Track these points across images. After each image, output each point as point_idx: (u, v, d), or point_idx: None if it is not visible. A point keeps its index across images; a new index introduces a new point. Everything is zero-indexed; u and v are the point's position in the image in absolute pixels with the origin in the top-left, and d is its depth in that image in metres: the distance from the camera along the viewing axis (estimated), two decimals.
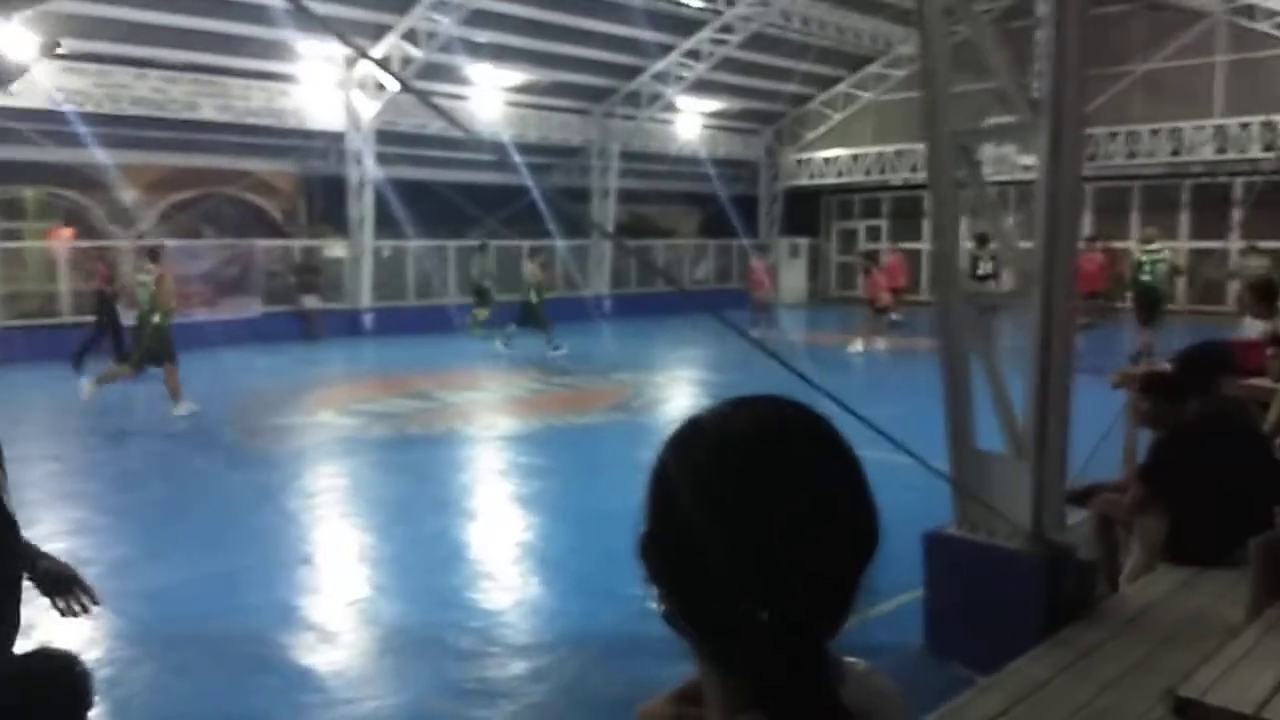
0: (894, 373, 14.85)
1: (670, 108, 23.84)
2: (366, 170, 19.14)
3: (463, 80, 19.58)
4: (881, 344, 17.06)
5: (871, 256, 21.90)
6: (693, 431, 0.85)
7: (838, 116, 27.19)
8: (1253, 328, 6.95)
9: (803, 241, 29.13)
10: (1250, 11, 19.15)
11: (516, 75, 20.69)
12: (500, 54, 19.51)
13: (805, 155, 28.04)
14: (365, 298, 20.16)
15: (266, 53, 17.16)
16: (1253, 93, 17.20)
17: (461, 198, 17.75)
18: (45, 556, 2.56)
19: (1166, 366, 5.29)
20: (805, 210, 29.19)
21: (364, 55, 4.10)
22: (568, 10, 18.62)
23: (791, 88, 24.52)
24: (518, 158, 14.91)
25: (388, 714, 4.24)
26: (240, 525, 6.85)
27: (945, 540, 4.71)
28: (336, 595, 5.68)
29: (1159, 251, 14.95)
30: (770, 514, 0.79)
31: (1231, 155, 20.23)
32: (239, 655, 3.52)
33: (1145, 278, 14.53)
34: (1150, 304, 14.38)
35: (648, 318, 20.87)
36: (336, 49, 17.12)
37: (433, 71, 18.45)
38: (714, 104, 24.94)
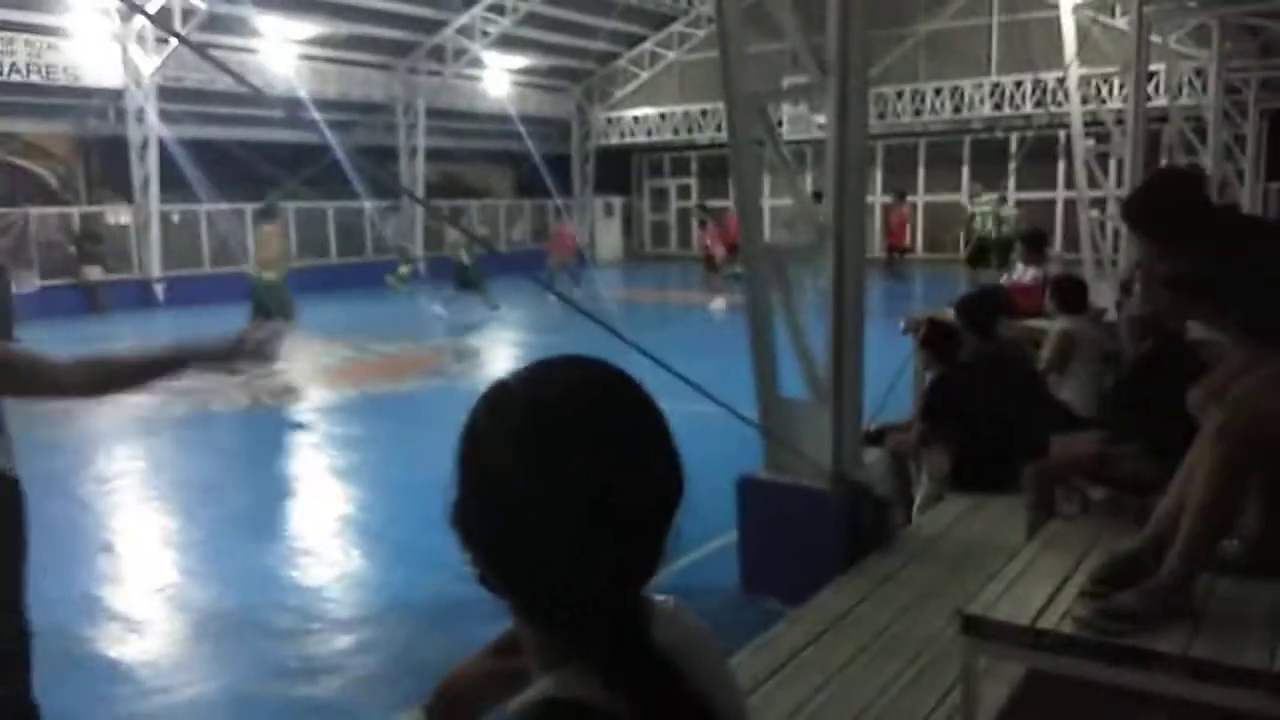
0: (718, 327, 15.28)
1: (477, 64, 23.35)
2: (150, 129, 17.80)
3: (252, 33, 18.46)
4: (720, 302, 17.48)
5: (708, 210, 22.28)
6: (501, 394, 0.87)
7: (645, 75, 27.41)
8: (1027, 273, 7.61)
9: (616, 200, 29.36)
10: None
11: (310, 28, 19.69)
12: (291, 5, 18.48)
13: (615, 114, 28.16)
14: (155, 267, 18.87)
15: (28, 2, 15.61)
16: (1024, 52, 18.49)
17: (257, 157, 16.85)
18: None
19: (949, 312, 5.71)
20: (617, 169, 29.42)
21: (135, 8, 3.83)
22: None
23: (599, 45, 24.47)
24: (316, 114, 14.24)
25: (207, 700, 4.09)
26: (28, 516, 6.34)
27: (755, 483, 4.95)
28: (142, 583, 5.39)
29: (987, 205, 16.53)
30: (579, 472, 0.82)
31: (1006, 111, 21.79)
32: (39, 653, 3.28)
33: (979, 229, 16.10)
34: (980, 252, 15.94)
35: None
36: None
37: (218, 24, 17.31)
38: (522, 60, 24.62)
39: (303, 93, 18.39)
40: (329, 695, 4.12)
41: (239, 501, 6.79)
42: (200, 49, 2.50)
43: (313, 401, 10.18)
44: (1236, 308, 2.69)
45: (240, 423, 9.44)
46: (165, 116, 17.68)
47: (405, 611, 4.82)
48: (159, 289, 18.89)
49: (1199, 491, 2.55)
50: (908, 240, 21.81)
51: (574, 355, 0.91)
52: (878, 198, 24.23)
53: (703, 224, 19.97)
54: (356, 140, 22.05)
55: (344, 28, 20.21)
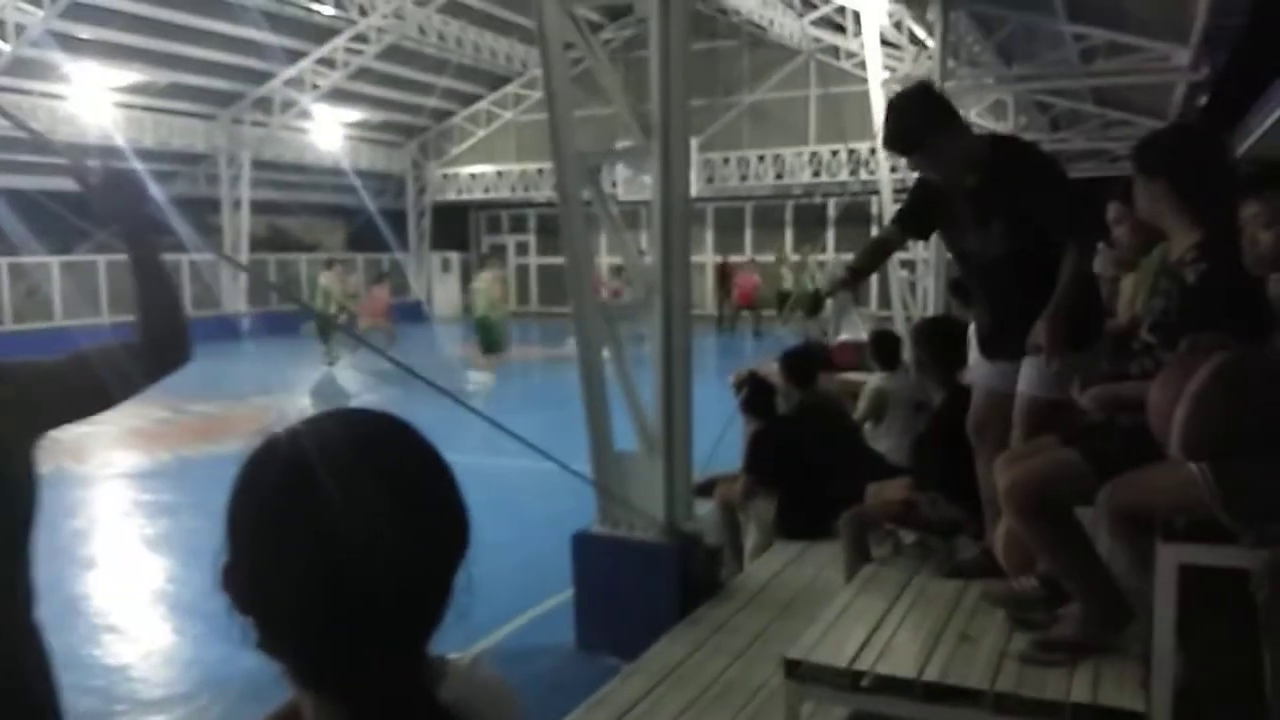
0: (558, 381, 15.27)
1: (305, 116, 22.81)
2: None
3: (62, 79, 17.43)
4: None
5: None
6: (264, 452, 0.84)
7: (481, 133, 27.49)
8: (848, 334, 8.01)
9: (454, 256, 29.13)
10: (835, 51, 21.88)
11: (128, 75, 18.78)
12: (107, 51, 17.61)
13: (451, 170, 28.06)
14: None
15: None
16: (838, 123, 19.63)
17: (65, 208, 15.85)
18: None
19: (773, 366, 5.93)
20: (455, 225, 29.23)
21: None
22: (184, 8, 17.20)
23: (433, 102, 24.40)
24: (136, 162, 13.55)
25: None
26: None
27: (589, 539, 4.96)
28: None
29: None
30: (337, 531, 0.78)
31: (824, 179, 23.02)
32: None
33: (809, 286, 17.22)
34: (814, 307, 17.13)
35: (291, 336, 19.76)
36: None
37: (26, 68, 16.29)
38: (354, 114, 24.23)
39: (119, 141, 17.48)
40: None
41: (34, 573, 6.24)
42: (56, 143, 2.31)
43: (121, 466, 9.52)
44: None
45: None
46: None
47: (219, 689, 4.53)
48: None
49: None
50: (753, 298, 22.65)
51: (351, 408, 0.88)
52: (709, 257, 25.08)
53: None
54: (177, 191, 21.05)
55: (164, 76, 19.39)
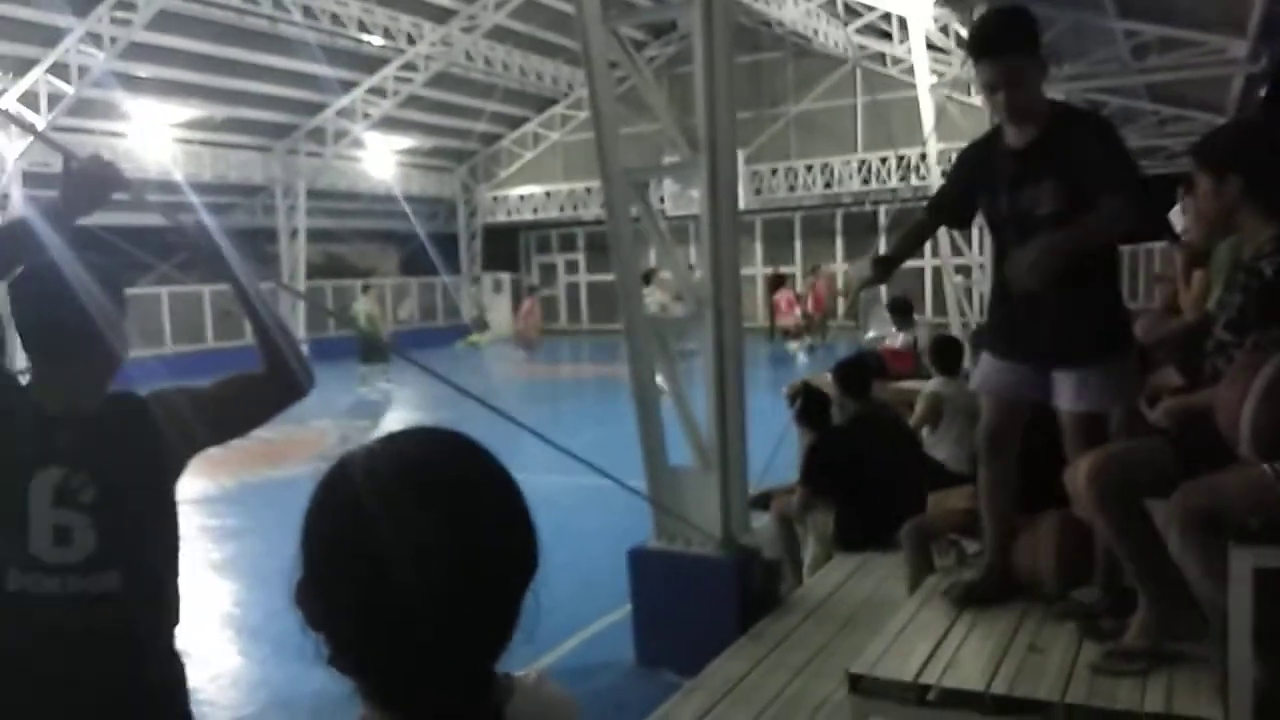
0: (611, 398, 15.32)
1: (358, 144, 23.25)
2: (13, 214, 17.08)
3: (122, 116, 17.99)
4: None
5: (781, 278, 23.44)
6: (340, 472, 0.85)
7: (528, 155, 27.77)
8: (896, 338, 7.91)
9: (505, 276, 29.41)
10: (882, 58, 21.75)
11: (186, 111, 19.32)
12: (166, 89, 18.14)
13: (500, 192, 28.38)
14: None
15: None
16: (886, 130, 19.48)
17: (127, 242, 16.31)
18: None
19: (827, 377, 5.88)
20: (505, 246, 29.53)
21: None
22: (239, 45, 17.70)
23: (481, 126, 24.74)
24: (193, 196, 13.96)
25: None
26: None
27: (645, 554, 4.95)
28: None
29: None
30: (410, 548, 0.80)
31: (874, 186, 22.83)
32: None
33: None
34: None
35: (347, 361, 20.09)
36: None
37: (87, 108, 16.85)
38: (405, 141, 24.64)
39: (178, 176, 17.98)
40: None
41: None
42: (48, 138, 2.43)
43: (186, 492, 9.71)
44: None
45: None
46: (34, 202, 16.96)
47: (286, 709, 4.61)
48: None
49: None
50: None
51: (423, 427, 0.90)
52: (759, 269, 24.99)
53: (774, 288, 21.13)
54: (236, 222, 21.57)
55: (221, 111, 19.91)
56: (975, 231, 16.01)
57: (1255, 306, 2.42)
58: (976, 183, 3.05)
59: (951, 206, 3.27)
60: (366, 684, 0.85)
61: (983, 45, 2.89)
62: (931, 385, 5.57)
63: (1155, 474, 2.63)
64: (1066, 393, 2.90)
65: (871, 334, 5.67)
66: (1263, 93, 14.59)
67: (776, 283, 23.51)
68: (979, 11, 12.82)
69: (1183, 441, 2.62)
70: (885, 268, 3.24)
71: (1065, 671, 2.63)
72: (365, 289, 18.22)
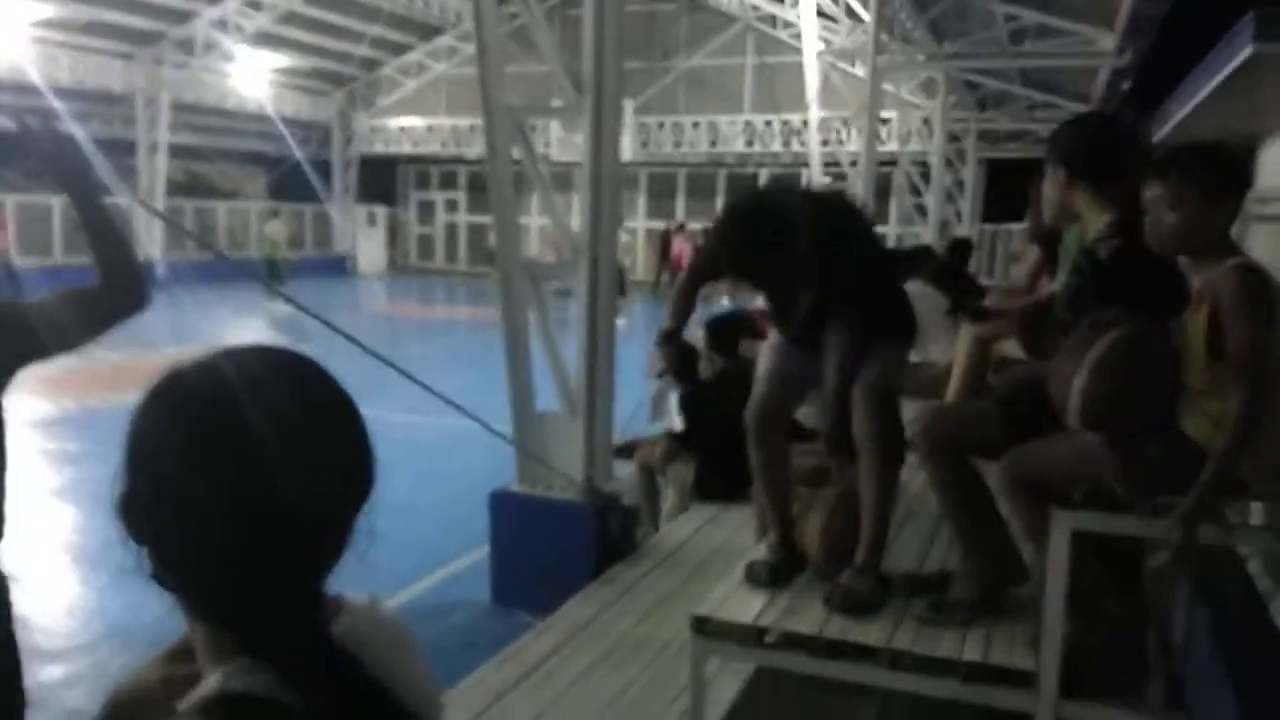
0: (483, 341, 15.16)
1: (228, 58, 22.05)
2: None
3: None
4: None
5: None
6: (171, 381, 0.83)
7: (411, 85, 26.91)
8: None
9: (380, 210, 28.55)
10: (773, 20, 21.91)
11: (45, 8, 17.89)
12: None
13: (379, 122, 27.45)
14: None
15: None
16: (771, 93, 19.69)
17: None
18: None
19: (698, 332, 5.97)
20: (382, 178, 28.63)
21: None
22: None
23: (363, 51, 23.79)
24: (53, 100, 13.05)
25: None
26: None
27: (507, 497, 4.97)
28: None
29: None
30: (236, 462, 0.79)
31: (758, 149, 23.11)
32: None
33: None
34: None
35: (208, 286, 19.21)
36: None
37: None
38: (281, 59, 23.49)
39: (33, 76, 16.70)
40: None
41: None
42: None
43: (25, 414, 9.20)
44: None
45: None
46: None
47: (124, 639, 4.45)
48: None
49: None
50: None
51: (260, 344, 0.88)
52: (641, 222, 25.03)
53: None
54: (93, 132, 20.18)
55: (84, 12, 18.52)
56: None
57: (1092, 287, 2.58)
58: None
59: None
60: (191, 597, 0.84)
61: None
62: None
63: (983, 435, 2.80)
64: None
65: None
66: (1126, 86, 15.39)
67: (676, 231, 23.57)
68: None
69: (1012, 407, 2.79)
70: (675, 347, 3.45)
71: (895, 620, 2.79)
72: (275, 213, 18.15)
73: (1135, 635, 2.80)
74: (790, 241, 2.82)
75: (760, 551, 3.21)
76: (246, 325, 15.36)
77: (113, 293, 1.99)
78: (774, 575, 3.06)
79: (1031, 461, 2.64)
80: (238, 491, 0.79)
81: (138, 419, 0.83)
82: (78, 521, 6.29)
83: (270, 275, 16.88)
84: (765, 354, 3.25)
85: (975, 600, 2.83)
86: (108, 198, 1.97)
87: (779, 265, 2.89)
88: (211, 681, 0.81)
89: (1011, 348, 3.89)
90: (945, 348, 4.99)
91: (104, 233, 1.96)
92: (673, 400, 5.03)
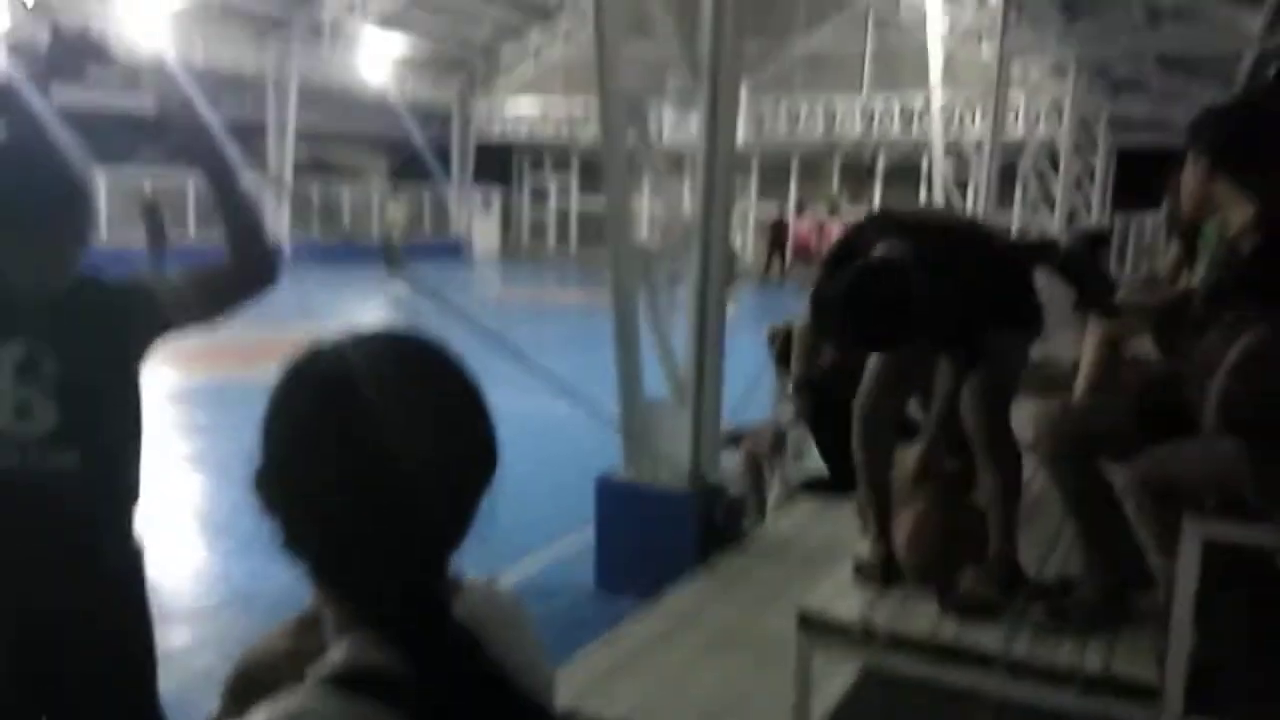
0: (592, 326, 15.30)
1: (355, 42, 22.74)
2: None
3: None
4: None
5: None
6: (305, 360, 0.87)
7: (528, 68, 27.24)
8: None
9: (495, 194, 29.07)
10: (896, 3, 21.36)
11: None
12: None
13: (496, 106, 27.88)
14: None
15: None
16: (892, 74, 19.21)
17: (117, 125, 16.00)
18: None
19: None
20: (497, 162, 29.13)
21: None
22: None
23: (483, 34, 24.21)
24: (182, 77, 13.63)
25: None
26: None
27: (613, 484, 4.99)
28: None
29: None
30: (369, 440, 0.82)
31: (875, 133, 22.60)
32: None
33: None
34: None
35: (332, 266, 19.90)
36: None
37: None
38: (403, 44, 24.10)
39: (170, 58, 17.55)
40: (161, 691, 3.94)
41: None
42: (40, 8, 2.33)
43: (158, 387, 9.70)
44: None
45: None
46: (16, 70, 16.52)
47: (247, 604, 4.66)
48: None
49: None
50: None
51: (390, 329, 0.91)
52: (752, 206, 24.80)
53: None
54: (224, 114, 21.05)
55: None
56: (970, 188, 15.89)
57: (1233, 282, 2.43)
58: None
59: None
60: (319, 568, 0.87)
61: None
62: None
63: (1112, 436, 2.67)
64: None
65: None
66: (1272, 71, 14.46)
67: (783, 227, 23.37)
68: None
69: (1144, 408, 2.65)
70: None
71: (1012, 626, 2.69)
72: (394, 196, 18.88)
73: (1271, 651, 2.64)
74: (899, 315, 2.55)
75: (864, 551, 3.11)
76: (367, 305, 15.86)
77: (244, 271, 2.06)
78: (886, 573, 2.97)
79: (1164, 466, 2.51)
80: (365, 469, 0.81)
81: (274, 395, 0.87)
82: (205, 490, 6.61)
83: (387, 257, 17.33)
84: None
85: (1097, 608, 2.71)
86: (240, 178, 2.04)
87: (895, 339, 2.69)
88: (337, 654, 0.84)
89: (1144, 346, 3.69)
90: (1071, 344, 4.78)
91: (237, 212, 2.01)
92: (811, 448, 4.94)
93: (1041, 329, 3.00)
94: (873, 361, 3.10)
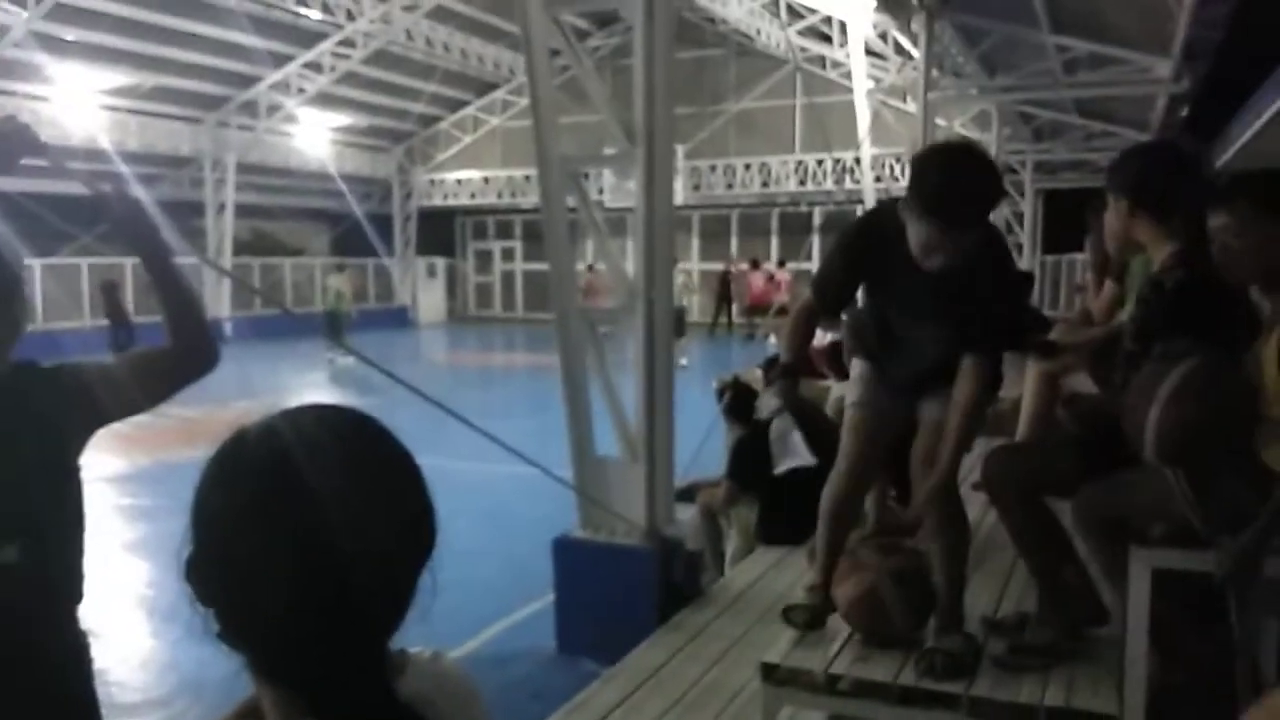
0: (543, 388, 15.26)
1: (291, 120, 22.77)
2: None
3: (46, 80, 17.33)
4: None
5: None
6: (234, 445, 0.84)
7: (467, 139, 27.49)
8: (826, 338, 8.02)
9: (440, 261, 29.10)
10: (821, 61, 22.00)
11: (114, 77, 18.69)
12: (93, 53, 17.55)
13: (437, 175, 28.05)
14: None
15: None
16: (823, 132, 19.72)
17: (49, 211, 15.76)
18: None
19: (757, 373, 5.95)
20: (440, 230, 29.20)
21: None
22: (171, 11, 17.15)
23: (420, 108, 24.41)
24: (121, 166, 13.57)
25: None
26: None
27: (570, 544, 4.96)
28: None
29: None
30: (297, 522, 0.80)
31: (810, 187, 23.11)
32: None
33: None
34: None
35: (275, 341, 19.66)
36: None
37: (8, 69, 16.23)
38: (341, 119, 24.18)
39: (104, 143, 17.39)
40: None
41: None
42: None
43: (99, 470, 9.45)
44: None
45: None
46: None
47: (197, 693, 4.51)
48: None
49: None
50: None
51: (323, 404, 0.89)
52: (695, 264, 25.12)
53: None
54: (162, 195, 20.93)
55: (150, 79, 19.32)
56: None
57: (1160, 318, 2.52)
58: (873, 277, 2.90)
59: (845, 301, 3.06)
60: (258, 658, 0.84)
61: (975, 211, 2.62)
62: (838, 390, 5.66)
63: (1057, 472, 2.73)
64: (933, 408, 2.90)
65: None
66: (1185, 112, 15.11)
67: (729, 278, 23.73)
68: (916, 21, 13.09)
69: (1085, 444, 2.72)
70: (796, 377, 3.11)
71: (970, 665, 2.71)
72: (340, 268, 19.22)
73: (1222, 670, 2.69)
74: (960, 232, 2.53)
75: (798, 595, 3.15)
76: (312, 379, 15.68)
77: (184, 353, 2.03)
78: (812, 619, 3.01)
79: (1108, 499, 2.57)
80: (299, 553, 0.79)
81: (202, 482, 0.85)
82: (151, 576, 6.42)
83: (332, 328, 17.22)
84: (857, 384, 3.09)
85: (1055, 643, 2.75)
86: (177, 259, 2.02)
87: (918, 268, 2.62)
88: None
89: (1081, 382, 3.80)
90: (1011, 382, 4.88)
91: (176, 295, 1.99)
92: (796, 438, 4.90)
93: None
94: (855, 393, 3.09)
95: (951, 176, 2.53)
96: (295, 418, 0.86)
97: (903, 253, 2.62)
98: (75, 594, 1.99)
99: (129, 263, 19.33)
